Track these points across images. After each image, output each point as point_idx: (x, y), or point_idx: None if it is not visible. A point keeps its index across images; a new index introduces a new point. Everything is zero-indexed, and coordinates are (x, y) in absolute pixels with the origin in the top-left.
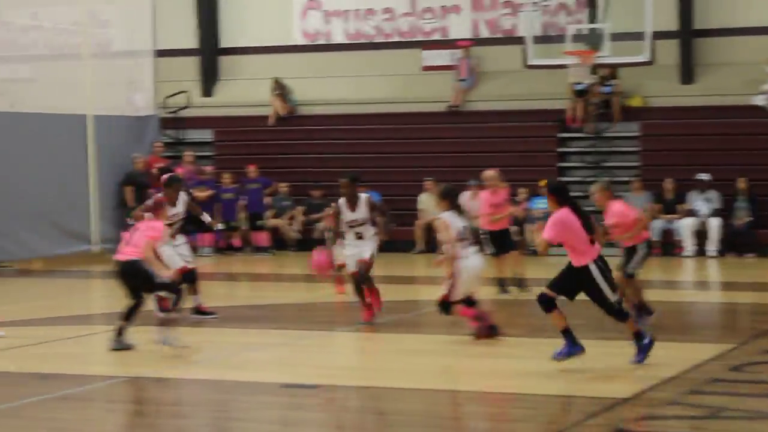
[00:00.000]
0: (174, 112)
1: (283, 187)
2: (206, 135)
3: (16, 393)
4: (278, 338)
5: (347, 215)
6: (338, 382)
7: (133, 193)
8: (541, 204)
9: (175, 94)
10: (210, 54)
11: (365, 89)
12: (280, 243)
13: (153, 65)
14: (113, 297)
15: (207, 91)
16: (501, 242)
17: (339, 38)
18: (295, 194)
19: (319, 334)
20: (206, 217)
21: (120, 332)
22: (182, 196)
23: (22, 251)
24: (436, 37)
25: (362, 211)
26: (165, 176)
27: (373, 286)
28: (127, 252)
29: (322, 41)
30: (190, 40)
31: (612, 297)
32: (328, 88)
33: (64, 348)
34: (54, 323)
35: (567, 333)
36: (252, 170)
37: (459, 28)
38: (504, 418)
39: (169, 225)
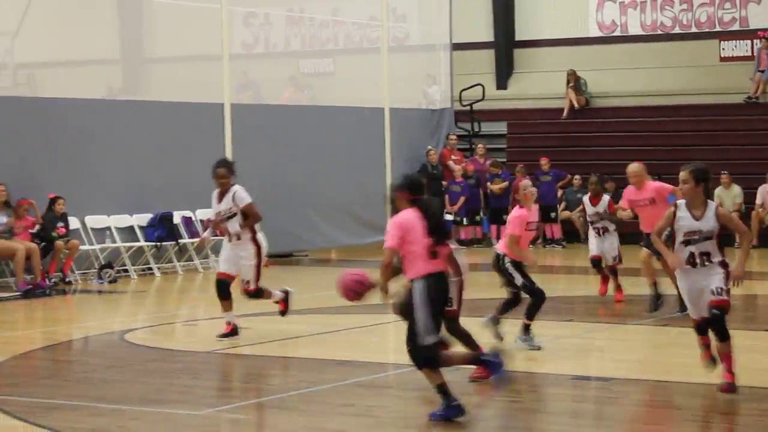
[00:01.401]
0: (469, 104)
1: (577, 179)
2: (500, 127)
3: (314, 378)
4: (568, 330)
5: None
6: (632, 375)
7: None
8: None
9: (470, 87)
10: (505, 47)
11: (661, 81)
12: (571, 235)
13: (449, 58)
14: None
15: (501, 84)
16: None
17: (635, 30)
18: None
19: (609, 327)
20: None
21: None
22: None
23: (319, 241)
24: (735, 27)
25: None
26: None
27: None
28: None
29: (617, 33)
30: (486, 33)
31: None
32: (623, 81)
33: (359, 336)
34: (348, 311)
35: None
36: (544, 163)
37: (759, 17)
38: None
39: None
